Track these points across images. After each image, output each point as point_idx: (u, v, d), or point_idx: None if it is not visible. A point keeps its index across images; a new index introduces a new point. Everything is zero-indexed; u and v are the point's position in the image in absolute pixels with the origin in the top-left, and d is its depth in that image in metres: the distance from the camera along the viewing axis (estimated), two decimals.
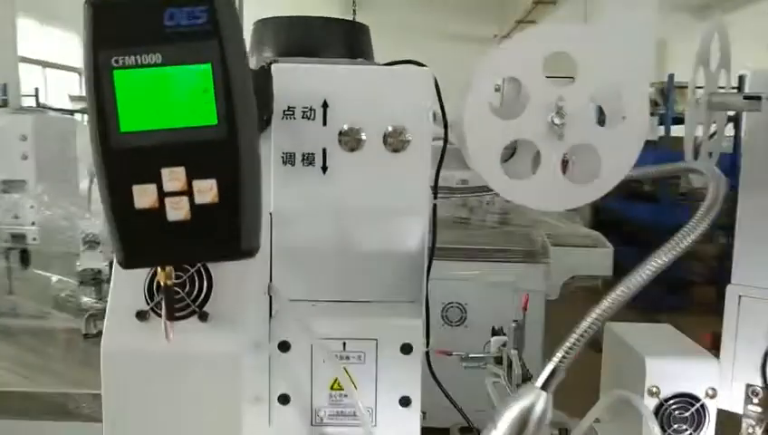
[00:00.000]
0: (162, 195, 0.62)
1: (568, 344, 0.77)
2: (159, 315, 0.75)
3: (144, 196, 0.62)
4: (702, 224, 0.75)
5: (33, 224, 2.58)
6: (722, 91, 0.98)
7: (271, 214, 0.90)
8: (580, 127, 0.84)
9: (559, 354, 0.78)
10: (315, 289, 0.97)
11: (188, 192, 0.62)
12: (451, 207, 3.49)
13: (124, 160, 0.61)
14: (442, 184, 0.99)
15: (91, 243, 2.19)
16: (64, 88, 7.29)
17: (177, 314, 0.75)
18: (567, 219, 3.81)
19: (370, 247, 0.94)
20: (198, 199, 0.62)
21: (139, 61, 0.60)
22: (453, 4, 8.05)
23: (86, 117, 0.71)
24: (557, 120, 0.83)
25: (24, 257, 2.99)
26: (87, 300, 2.15)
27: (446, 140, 0.95)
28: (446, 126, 0.94)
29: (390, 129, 0.88)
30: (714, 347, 1.32)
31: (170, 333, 0.70)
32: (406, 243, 0.94)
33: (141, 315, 0.77)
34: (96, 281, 2.16)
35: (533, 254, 3.33)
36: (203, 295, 0.77)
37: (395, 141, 0.88)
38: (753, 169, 1.01)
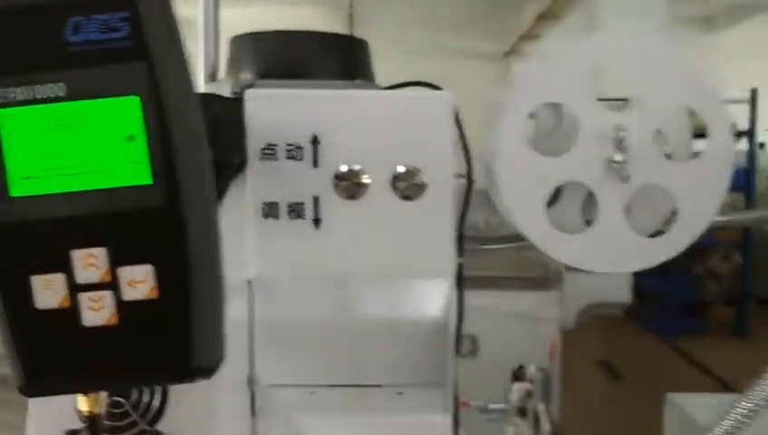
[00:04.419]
0: (74, 289, 0.42)
1: None
2: None
3: (47, 291, 0.42)
4: None
5: None
6: None
7: (250, 282, 0.70)
8: (648, 163, 0.64)
9: None
10: (312, 372, 0.77)
11: (112, 284, 0.42)
12: None
13: (15, 239, 0.42)
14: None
15: None
16: None
17: None
18: None
19: (379, 319, 0.74)
20: (128, 295, 0.42)
21: (34, 94, 0.41)
22: (451, 19, 7.90)
23: None
24: (618, 157, 0.63)
25: None
26: None
27: (470, 179, 0.75)
28: (469, 162, 0.75)
29: (401, 169, 0.68)
30: None
31: None
32: (425, 312, 0.74)
33: None
34: None
35: (547, 280, 3.15)
36: (155, 408, 0.57)
37: (407, 185, 0.68)
38: None
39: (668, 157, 0.66)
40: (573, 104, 0.65)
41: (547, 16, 7.29)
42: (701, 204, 0.66)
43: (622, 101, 0.67)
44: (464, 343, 2.53)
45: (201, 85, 0.95)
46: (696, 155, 0.65)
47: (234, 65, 0.87)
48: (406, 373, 0.79)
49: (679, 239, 0.66)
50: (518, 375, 2.02)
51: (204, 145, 0.43)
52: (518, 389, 1.79)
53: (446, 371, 0.76)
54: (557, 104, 0.69)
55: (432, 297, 0.75)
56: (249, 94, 0.67)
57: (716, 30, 7.37)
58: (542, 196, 0.66)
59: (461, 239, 0.75)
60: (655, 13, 6.26)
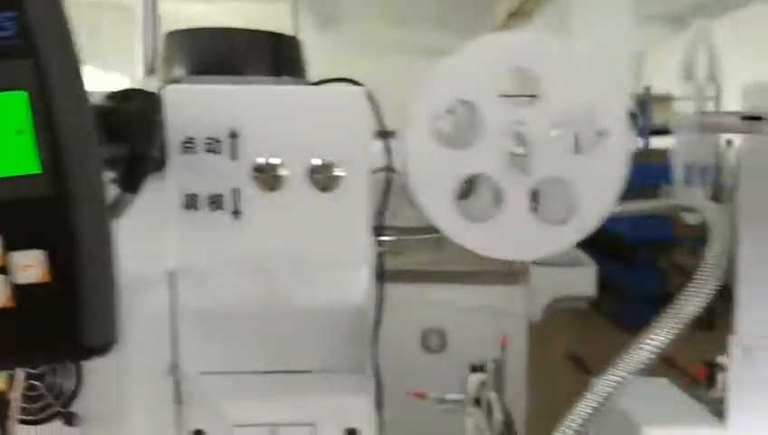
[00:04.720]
0: None
1: None
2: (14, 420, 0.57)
3: None
4: (707, 285, 0.59)
5: None
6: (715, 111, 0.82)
7: (171, 273, 0.72)
8: (548, 156, 0.68)
9: None
10: (238, 359, 0.80)
11: (6, 269, 0.44)
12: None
13: None
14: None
15: None
16: None
17: (35, 418, 0.58)
18: None
19: (300, 307, 0.77)
20: (21, 278, 0.44)
21: None
22: (424, 17, 7.95)
23: None
24: (518, 150, 0.67)
25: None
26: None
27: (390, 170, 0.78)
28: (389, 155, 0.78)
29: (317, 162, 0.71)
30: (709, 379, 1.17)
31: None
32: (344, 300, 0.76)
33: None
34: None
35: (514, 275, 3.19)
36: (70, 390, 0.60)
37: (323, 178, 0.71)
38: (754, 201, 0.84)
39: (571, 150, 0.70)
40: (479, 100, 0.68)
41: (518, 14, 7.37)
42: (599, 195, 0.69)
43: (530, 97, 0.70)
44: (432, 338, 2.55)
45: (140, 79, 0.97)
46: (595, 148, 0.69)
47: (168, 61, 0.89)
48: (334, 359, 0.81)
49: (580, 228, 0.69)
50: (476, 367, 2.07)
51: (93, 138, 0.45)
52: (474, 380, 1.84)
53: (369, 356, 0.79)
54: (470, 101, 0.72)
55: (351, 286, 0.78)
56: (168, 90, 0.69)
57: (685, 29, 7.49)
58: (450, 187, 0.69)
59: (380, 228, 0.78)
60: (624, 11, 6.36)
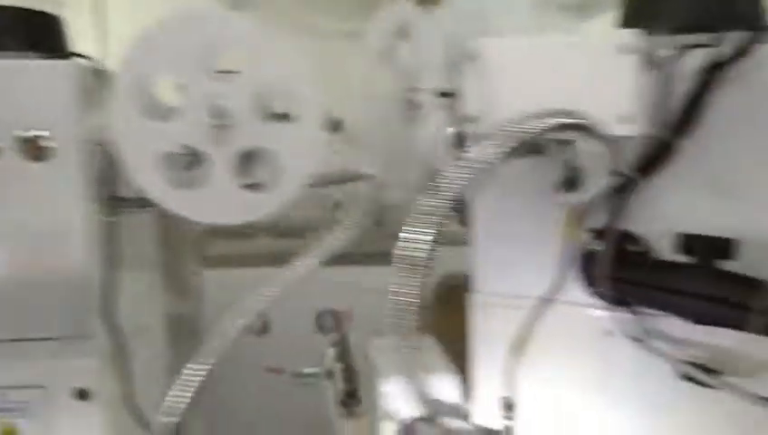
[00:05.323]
0: None
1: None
2: None
3: None
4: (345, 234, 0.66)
5: None
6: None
7: None
8: (246, 127, 0.72)
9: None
10: None
11: None
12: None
13: None
14: None
15: None
16: None
17: None
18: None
19: (20, 275, 0.79)
20: None
21: None
22: (335, 2, 7.96)
23: None
24: (215, 121, 0.71)
25: None
26: None
27: (103, 144, 0.81)
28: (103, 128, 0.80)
29: (28, 134, 0.73)
30: None
31: None
32: (65, 268, 0.79)
33: None
34: None
35: None
36: None
37: (34, 149, 0.73)
38: (481, 168, 0.91)
39: (268, 122, 0.74)
40: (181, 75, 0.72)
41: (426, 1, 7.47)
42: (298, 164, 0.74)
43: (234, 73, 0.74)
44: (326, 319, 2.55)
45: None
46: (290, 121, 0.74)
47: None
48: (64, 326, 0.82)
49: (281, 194, 0.75)
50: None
51: None
52: (328, 353, 1.90)
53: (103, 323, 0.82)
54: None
55: (70, 254, 0.79)
56: None
57: (591, 17, 7.76)
58: (156, 157, 0.72)
59: (113, 198, 0.81)
60: None
